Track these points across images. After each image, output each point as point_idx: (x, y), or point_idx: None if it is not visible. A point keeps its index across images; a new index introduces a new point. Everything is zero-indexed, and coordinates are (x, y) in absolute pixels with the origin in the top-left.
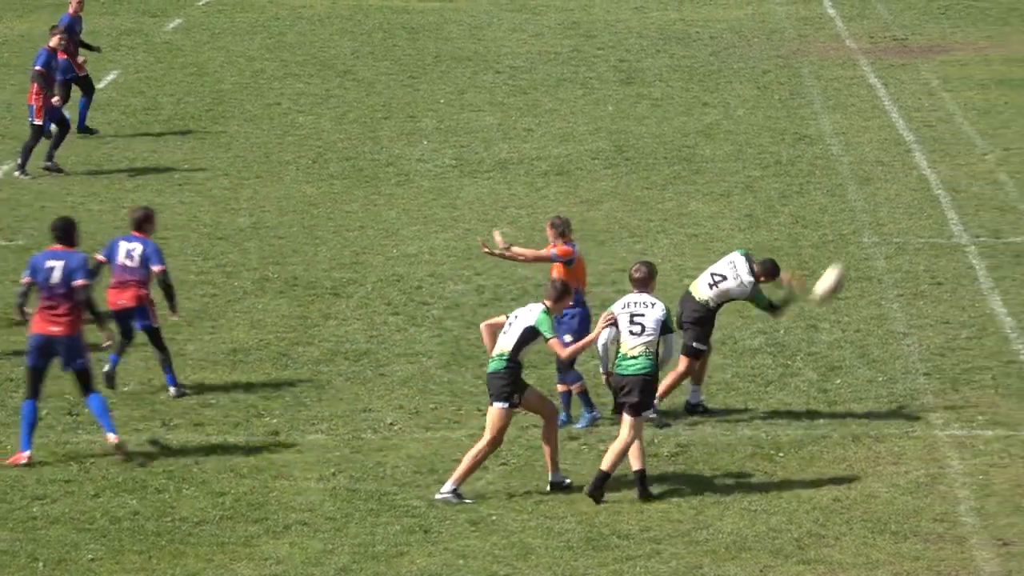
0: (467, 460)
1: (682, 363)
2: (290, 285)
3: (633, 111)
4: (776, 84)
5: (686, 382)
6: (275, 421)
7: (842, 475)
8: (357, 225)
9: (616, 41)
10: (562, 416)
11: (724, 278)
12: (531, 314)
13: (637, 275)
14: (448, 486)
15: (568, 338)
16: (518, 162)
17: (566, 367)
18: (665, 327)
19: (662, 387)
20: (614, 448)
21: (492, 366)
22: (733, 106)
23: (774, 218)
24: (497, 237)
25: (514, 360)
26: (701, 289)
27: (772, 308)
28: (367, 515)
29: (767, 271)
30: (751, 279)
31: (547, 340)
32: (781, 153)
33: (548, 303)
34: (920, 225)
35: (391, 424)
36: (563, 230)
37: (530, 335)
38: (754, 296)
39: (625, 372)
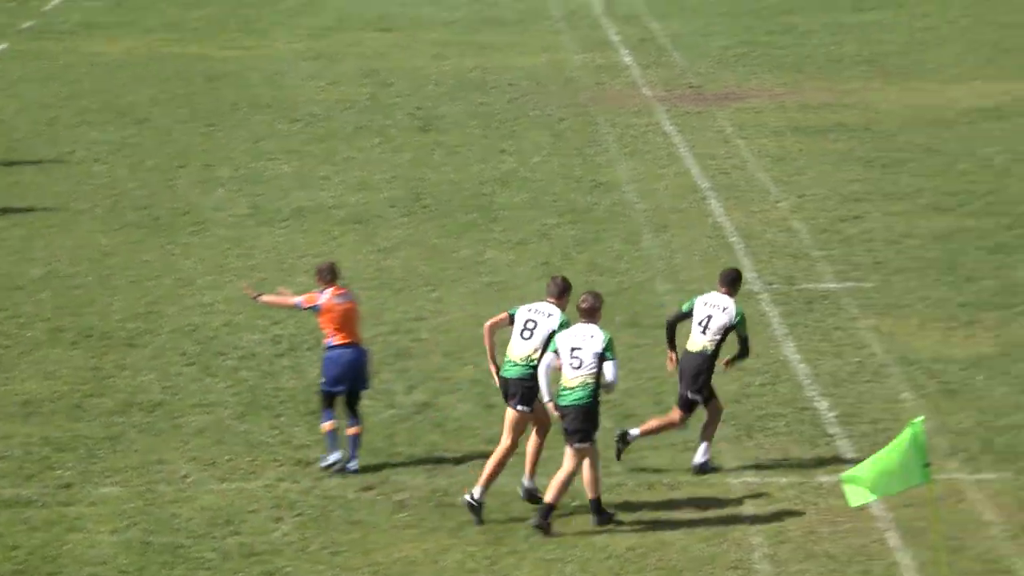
0: (490, 466)
1: (675, 413)
2: (84, 336)
3: (430, 159)
4: (572, 132)
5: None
6: (68, 473)
7: (637, 523)
8: (153, 274)
9: (413, 88)
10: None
11: (711, 317)
12: (552, 320)
13: (584, 305)
14: (477, 490)
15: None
16: (315, 210)
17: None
18: (603, 358)
19: (645, 427)
20: (558, 478)
21: (516, 371)
22: (529, 153)
23: (570, 266)
24: (245, 289)
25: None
26: (696, 341)
27: (745, 343)
28: (161, 568)
29: (730, 280)
30: (731, 301)
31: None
32: (577, 200)
33: (554, 300)
34: (715, 272)
35: (185, 476)
36: (323, 277)
37: (550, 340)
38: (739, 322)
39: (565, 403)
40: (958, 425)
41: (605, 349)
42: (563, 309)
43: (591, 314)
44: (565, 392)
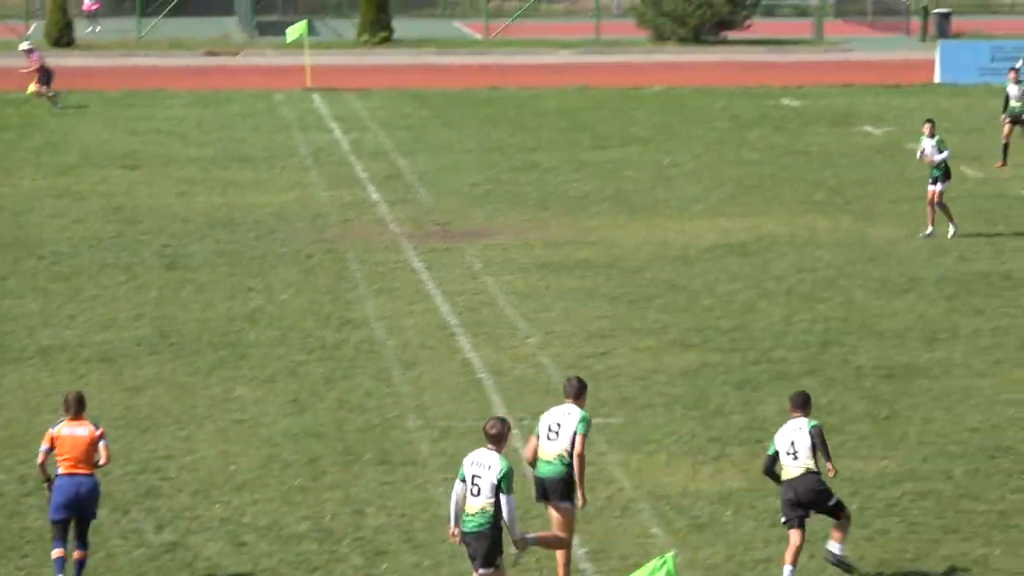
0: (562, 565)
1: (796, 537)
2: None
3: (177, 297)
4: (320, 268)
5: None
6: None
7: None
8: None
9: (160, 226)
10: None
11: (794, 442)
12: (572, 417)
13: (492, 431)
14: None
15: None
16: (60, 349)
17: None
18: (500, 489)
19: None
20: None
21: (550, 468)
22: (278, 290)
23: (320, 403)
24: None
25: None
26: (795, 467)
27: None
28: None
29: (803, 402)
30: (804, 420)
31: (579, 434)
32: (326, 337)
33: (573, 400)
34: (464, 409)
35: None
36: (66, 407)
37: (576, 435)
38: (814, 432)
39: (465, 529)
40: (707, 560)
41: (501, 481)
42: (582, 407)
43: (497, 440)
44: (467, 518)
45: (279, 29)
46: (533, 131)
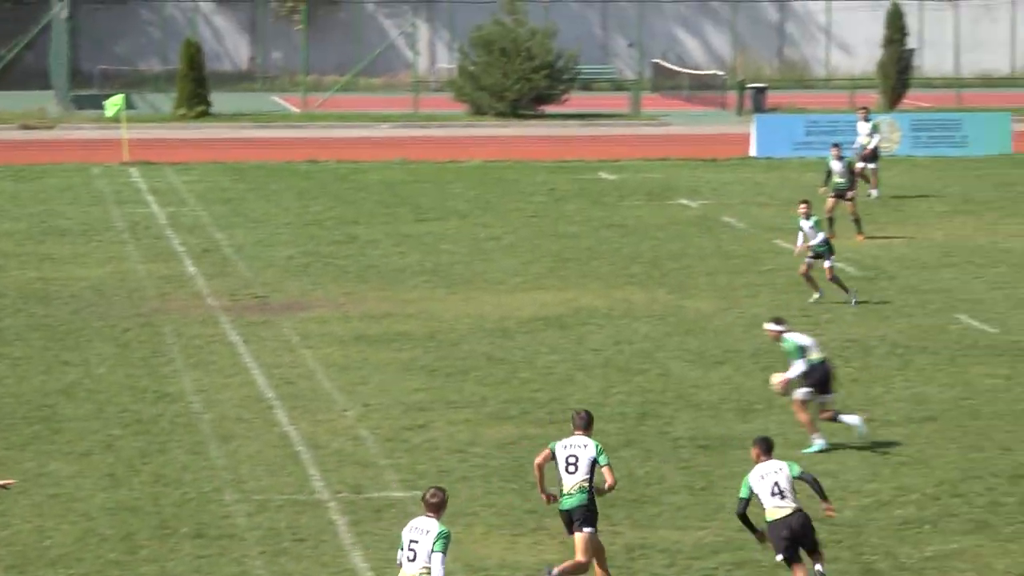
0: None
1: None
2: None
3: None
4: (137, 342)
5: None
6: None
7: None
8: None
9: None
10: None
11: (777, 483)
12: (588, 449)
13: (433, 500)
14: None
15: None
16: None
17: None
18: (434, 549)
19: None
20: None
21: (574, 500)
22: (94, 364)
23: (135, 476)
24: None
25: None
26: (782, 506)
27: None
28: None
29: (766, 444)
30: (780, 462)
31: (603, 466)
32: (142, 411)
33: (582, 432)
34: (282, 482)
35: None
36: None
37: (594, 465)
38: (792, 469)
39: None
40: None
41: (435, 541)
42: (593, 438)
43: (436, 509)
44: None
45: (96, 102)
46: (353, 204)
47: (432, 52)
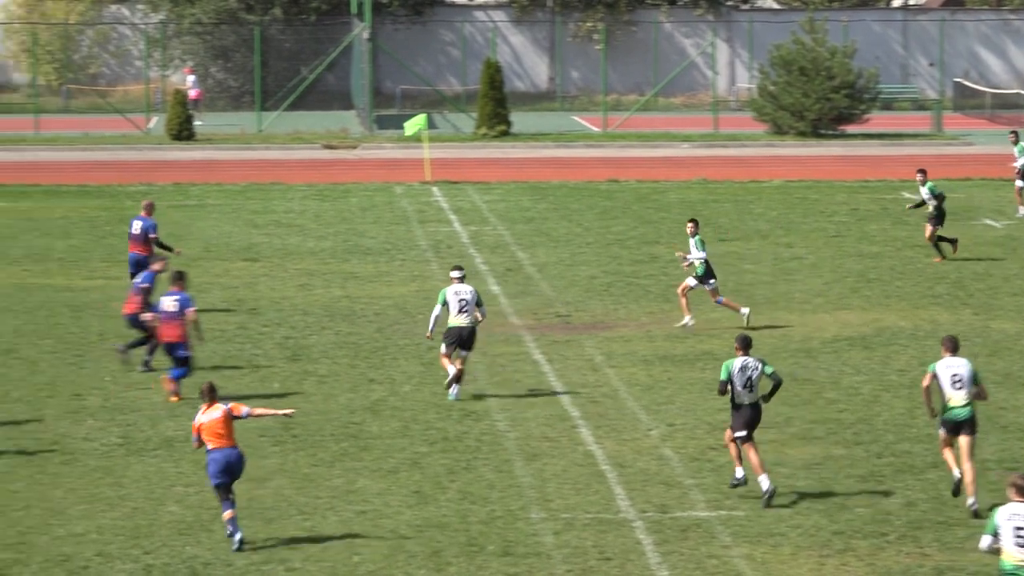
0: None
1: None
2: None
3: (299, 387)
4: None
5: None
6: None
7: None
8: (22, 505)
9: (281, 318)
10: None
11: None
12: (968, 367)
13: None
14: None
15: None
16: (184, 440)
17: None
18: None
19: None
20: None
21: (967, 411)
22: (399, 382)
23: (442, 494)
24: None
25: None
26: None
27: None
28: None
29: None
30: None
31: (982, 385)
32: (448, 429)
33: (952, 355)
34: (587, 501)
35: None
36: (203, 396)
37: (974, 378)
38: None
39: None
40: None
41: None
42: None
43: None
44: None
45: (398, 122)
46: (654, 224)
47: (731, 71)
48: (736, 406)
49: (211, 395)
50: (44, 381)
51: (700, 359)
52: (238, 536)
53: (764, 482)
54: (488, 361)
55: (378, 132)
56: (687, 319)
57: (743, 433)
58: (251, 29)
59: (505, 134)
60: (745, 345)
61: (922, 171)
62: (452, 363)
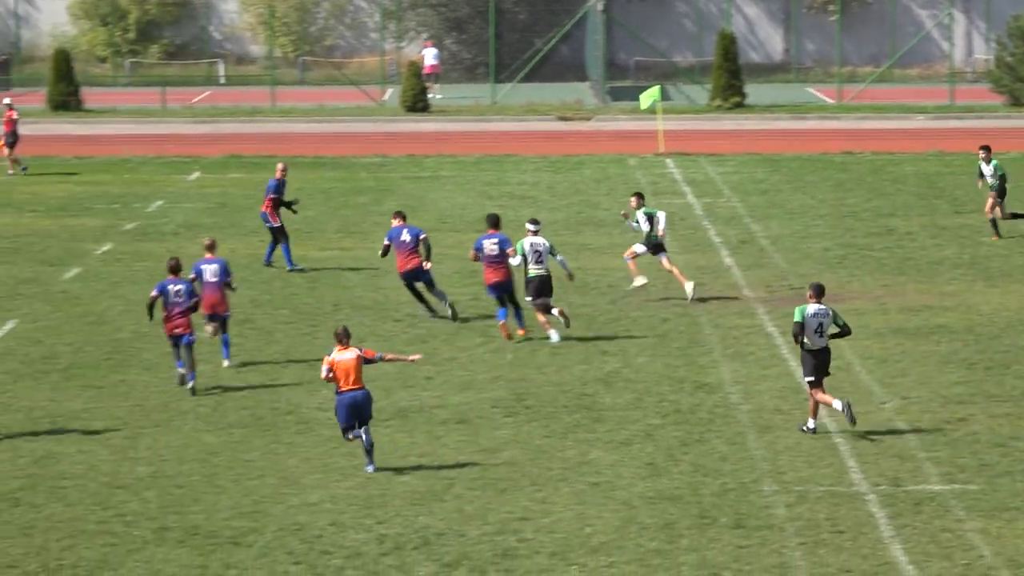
0: None
1: None
2: (190, 534)
3: (532, 359)
4: (675, 332)
5: None
6: None
7: None
8: (257, 474)
9: (514, 289)
10: None
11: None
12: None
13: None
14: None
15: None
16: (418, 410)
17: None
18: None
19: None
20: None
21: None
22: (632, 354)
23: (675, 466)
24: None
25: None
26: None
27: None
28: None
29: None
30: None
31: None
32: (680, 401)
33: None
34: (820, 473)
35: None
36: (338, 338)
37: None
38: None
39: None
40: None
41: None
42: None
43: None
44: None
45: (632, 94)
46: (889, 196)
47: (968, 42)
48: (807, 351)
49: (346, 338)
50: (279, 351)
51: (935, 332)
52: (370, 468)
53: (837, 404)
54: (721, 333)
55: (612, 104)
56: (639, 279)
57: (812, 378)
58: (486, 1)
59: (739, 106)
60: (818, 293)
61: (985, 147)
62: (546, 315)
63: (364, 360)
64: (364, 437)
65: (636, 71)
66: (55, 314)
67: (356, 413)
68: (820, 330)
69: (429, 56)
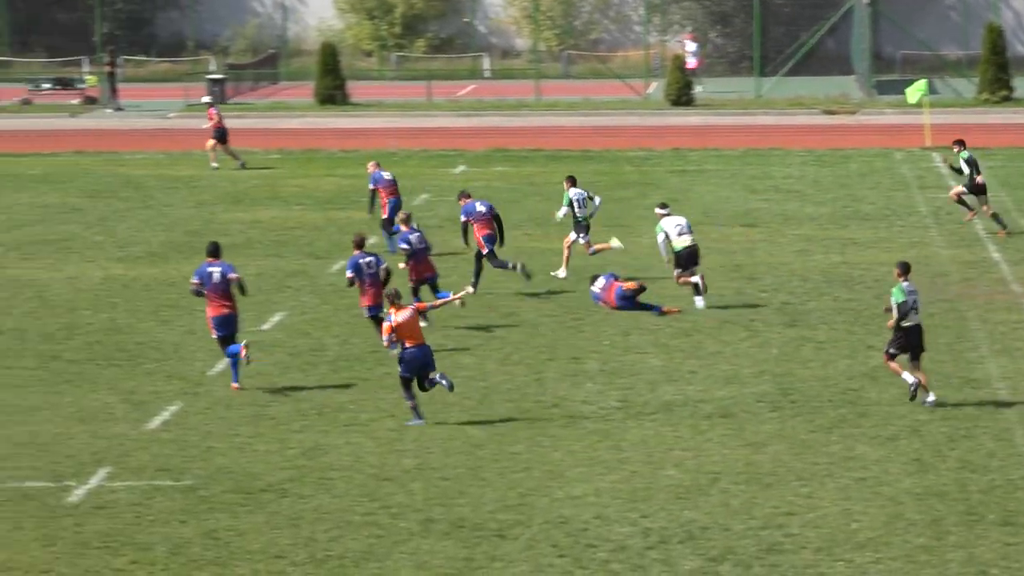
0: None
1: None
2: (456, 527)
3: (797, 354)
4: (941, 328)
5: None
6: None
7: None
8: (522, 467)
9: (779, 284)
10: None
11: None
12: None
13: None
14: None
15: None
16: (682, 404)
17: None
18: None
19: None
20: None
21: None
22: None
23: (942, 463)
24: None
25: None
26: None
27: None
28: None
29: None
30: None
31: None
32: (948, 397)
33: None
34: None
35: None
36: (391, 300)
37: None
38: None
39: None
40: None
41: None
42: None
43: None
44: None
45: (897, 88)
46: None
47: None
48: (904, 328)
49: (397, 298)
50: (544, 344)
51: None
52: (415, 422)
53: (923, 391)
54: (989, 329)
55: (878, 97)
56: (561, 271)
57: (907, 354)
58: None
59: (1007, 99)
60: (905, 270)
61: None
62: (689, 280)
63: (420, 313)
64: (444, 381)
65: (902, 64)
66: (322, 307)
67: (423, 366)
68: (916, 306)
69: (692, 51)
